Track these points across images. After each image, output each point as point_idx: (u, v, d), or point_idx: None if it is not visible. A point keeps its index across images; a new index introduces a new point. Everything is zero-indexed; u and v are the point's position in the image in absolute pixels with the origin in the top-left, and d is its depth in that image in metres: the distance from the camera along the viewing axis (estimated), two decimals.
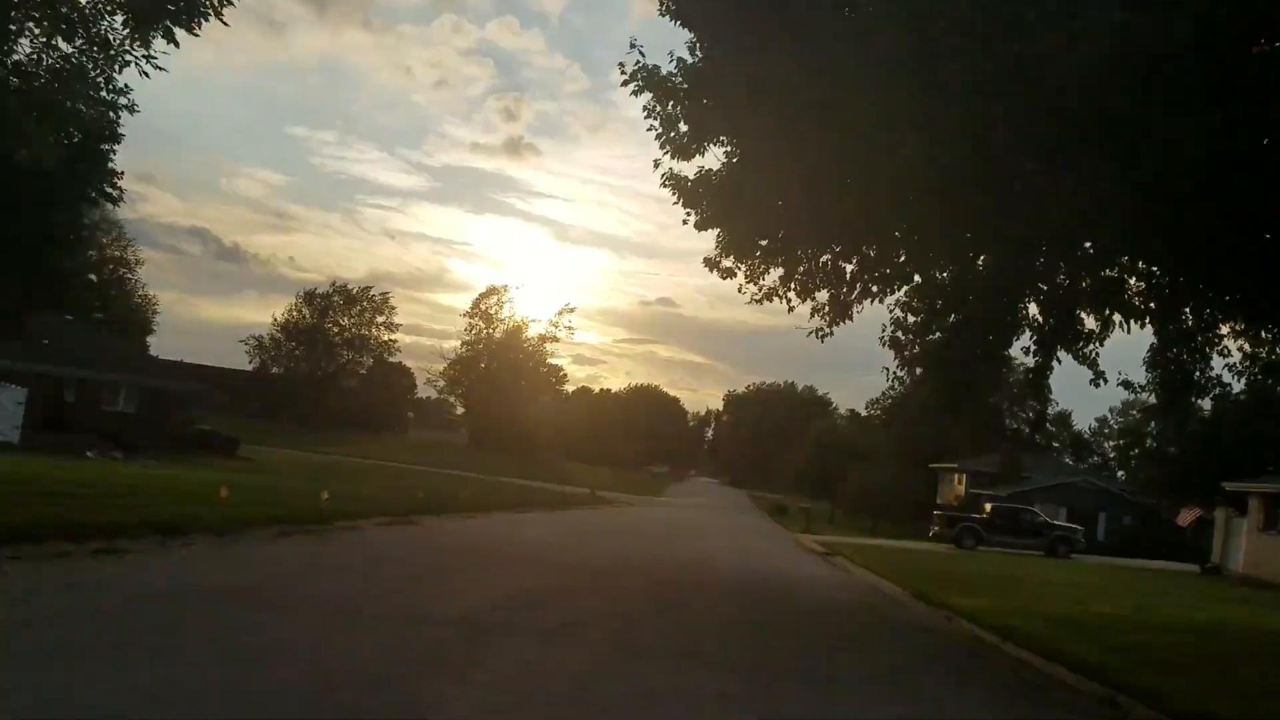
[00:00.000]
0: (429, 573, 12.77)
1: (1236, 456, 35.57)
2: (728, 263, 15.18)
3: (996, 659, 11.81)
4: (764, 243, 14.81)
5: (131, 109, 15.97)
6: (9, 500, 13.73)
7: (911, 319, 16.09)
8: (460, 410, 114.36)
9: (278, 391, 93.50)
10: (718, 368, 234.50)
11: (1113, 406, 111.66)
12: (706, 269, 15.20)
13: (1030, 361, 15.71)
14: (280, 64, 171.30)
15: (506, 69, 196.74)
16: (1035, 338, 15.43)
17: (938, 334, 15.98)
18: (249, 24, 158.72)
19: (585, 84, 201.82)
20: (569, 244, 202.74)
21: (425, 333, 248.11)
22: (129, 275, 77.31)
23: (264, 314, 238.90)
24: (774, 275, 15.11)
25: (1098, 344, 15.65)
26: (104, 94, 9.77)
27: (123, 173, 22.65)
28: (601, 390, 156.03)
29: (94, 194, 21.40)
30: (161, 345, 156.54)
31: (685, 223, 15.11)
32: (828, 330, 14.90)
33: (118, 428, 45.17)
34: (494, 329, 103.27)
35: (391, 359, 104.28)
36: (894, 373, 16.50)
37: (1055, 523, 46.26)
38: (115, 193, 22.76)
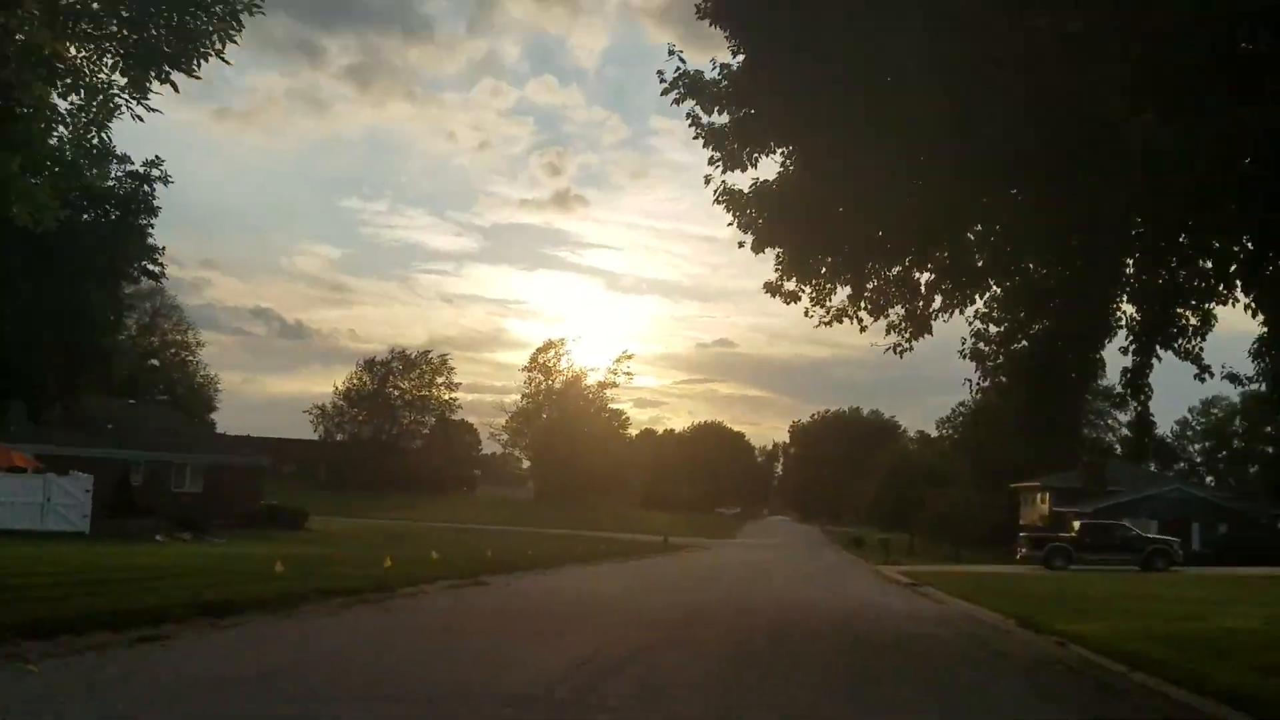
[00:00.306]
0: (493, 638, 11.77)
1: None
2: (790, 285, 14.13)
3: (1131, 692, 10.45)
4: (829, 259, 13.77)
5: (165, 180, 15.51)
6: (57, 590, 13.09)
7: (994, 329, 14.89)
8: (525, 464, 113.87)
9: (343, 458, 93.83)
10: (779, 401, 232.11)
11: (1192, 406, 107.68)
12: (768, 294, 14.15)
13: (1128, 361, 14.37)
14: (328, 140, 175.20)
15: (547, 125, 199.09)
16: (1131, 336, 14.12)
17: (1023, 342, 14.75)
18: (295, 105, 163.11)
19: (625, 133, 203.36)
20: (622, 292, 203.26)
21: (486, 390, 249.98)
22: (190, 358, 78.34)
23: (328, 385, 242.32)
24: (842, 294, 14.04)
25: (1200, 339, 14.32)
26: (95, 141, 9.22)
27: (163, 248, 22.38)
28: (665, 431, 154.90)
29: (134, 270, 21.05)
30: (229, 422, 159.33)
31: (742, 246, 14.15)
32: (907, 346, 13.75)
33: (186, 509, 44.98)
34: (553, 380, 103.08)
35: (453, 417, 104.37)
36: (977, 384, 15.23)
37: (1149, 535, 43.91)
38: (156, 268, 22.44)
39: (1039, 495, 69.76)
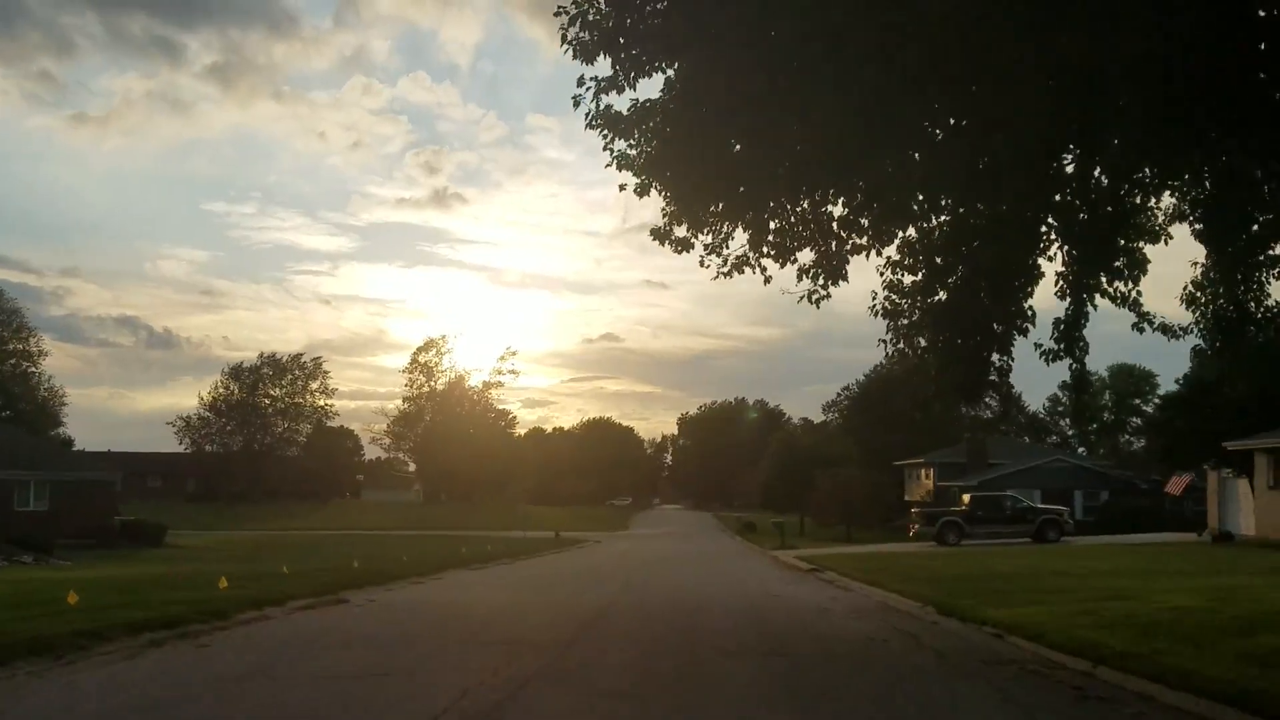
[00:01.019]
0: (324, 688, 9.15)
1: (1223, 418, 33.02)
2: (681, 231, 11.90)
3: (1118, 699, 8.55)
4: (724, 198, 11.58)
5: None
6: None
7: (909, 279, 12.96)
8: (411, 467, 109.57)
9: (215, 470, 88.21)
10: (667, 395, 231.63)
11: (1063, 382, 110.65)
12: (656, 241, 11.89)
13: (1058, 313, 12.63)
14: (192, 142, 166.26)
15: (422, 124, 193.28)
16: (1063, 280, 12.38)
17: (941, 294, 12.86)
18: (156, 107, 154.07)
19: (502, 130, 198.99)
20: (505, 287, 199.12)
21: (370, 396, 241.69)
22: (33, 369, 71.94)
23: (199, 396, 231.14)
24: (742, 239, 11.87)
25: (1138, 275, 12.69)
26: None
27: None
28: (554, 429, 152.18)
29: None
30: (95, 438, 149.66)
31: (623, 189, 11.89)
32: (823, 293, 11.66)
33: (29, 529, 40.77)
34: (435, 381, 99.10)
35: (331, 424, 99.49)
36: (891, 346, 13.27)
37: (1039, 506, 43.55)
38: None
39: (923, 471, 69.87)
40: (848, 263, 11.37)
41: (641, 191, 11.78)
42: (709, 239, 11.66)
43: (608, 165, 11.79)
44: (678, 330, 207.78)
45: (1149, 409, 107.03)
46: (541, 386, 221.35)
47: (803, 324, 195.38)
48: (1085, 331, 12.72)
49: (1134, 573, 21.27)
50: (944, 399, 12.93)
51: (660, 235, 11.90)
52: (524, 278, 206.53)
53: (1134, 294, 12.73)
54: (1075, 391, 12.55)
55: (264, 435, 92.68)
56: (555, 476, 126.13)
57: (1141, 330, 12.89)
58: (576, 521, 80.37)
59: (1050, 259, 12.27)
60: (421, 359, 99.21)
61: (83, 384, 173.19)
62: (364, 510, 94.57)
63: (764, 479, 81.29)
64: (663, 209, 11.68)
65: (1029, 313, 12.63)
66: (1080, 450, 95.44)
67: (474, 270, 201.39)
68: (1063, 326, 12.56)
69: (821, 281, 11.48)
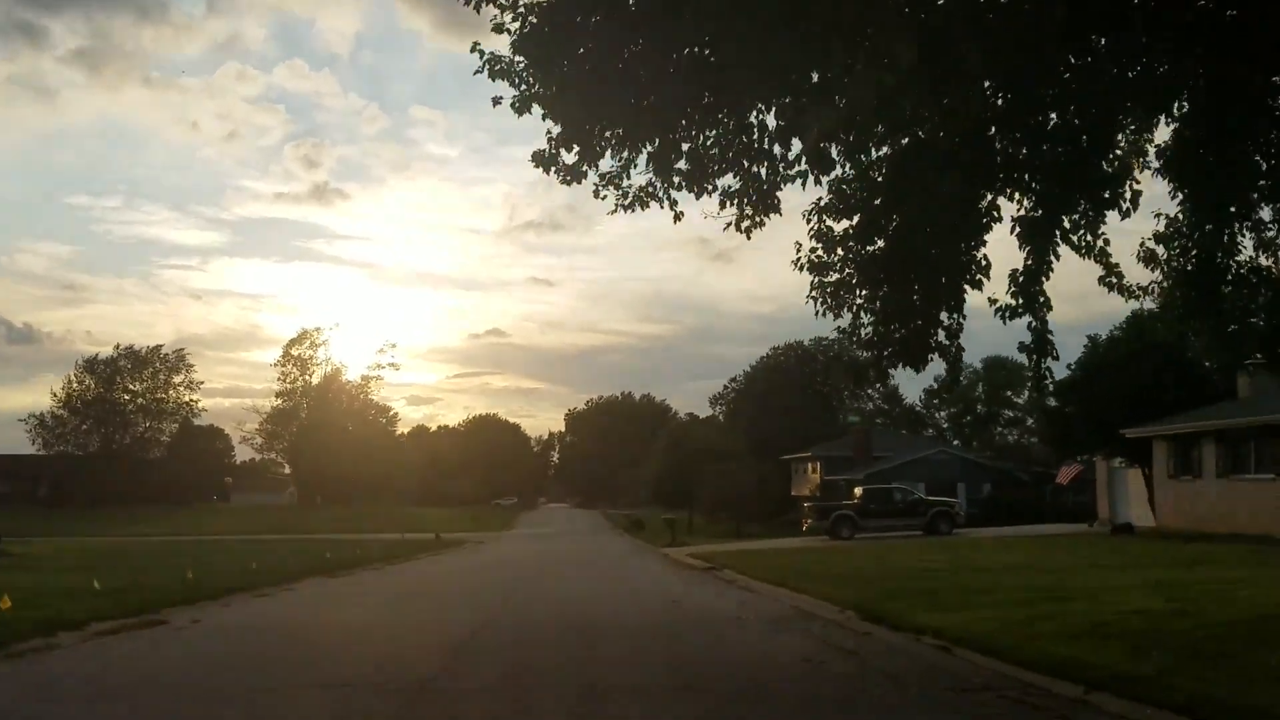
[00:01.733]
0: None
1: (1117, 405, 32.24)
2: (569, 158, 9.33)
3: None
4: (620, 131, 9.09)
5: None
6: None
7: (841, 226, 10.69)
8: (287, 469, 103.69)
9: (68, 473, 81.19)
10: (554, 391, 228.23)
11: (938, 375, 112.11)
12: (537, 168, 9.31)
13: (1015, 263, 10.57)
14: (56, 131, 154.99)
15: (300, 114, 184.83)
16: (1022, 226, 10.31)
17: (879, 242, 10.66)
18: (16, 93, 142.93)
19: (385, 123, 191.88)
20: (387, 284, 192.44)
21: (245, 393, 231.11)
22: None
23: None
24: (644, 168, 9.37)
25: (1097, 232, 10.74)
26: None
27: None
28: (439, 427, 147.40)
29: None
30: None
31: (498, 103, 9.29)
32: (754, 221, 9.26)
33: None
34: (309, 375, 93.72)
35: (200, 423, 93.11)
36: (820, 306, 10.99)
37: (931, 498, 42.56)
38: None
39: (810, 465, 68.90)
40: (779, 188, 8.97)
41: (521, 108, 9.21)
42: (607, 165, 9.12)
43: (476, 72, 9.17)
44: (565, 326, 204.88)
45: (1020, 401, 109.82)
46: (426, 383, 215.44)
47: (689, 320, 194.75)
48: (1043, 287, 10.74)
49: (1054, 568, 19.70)
50: (881, 366, 10.57)
51: (544, 161, 9.30)
52: (406, 274, 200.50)
53: (1100, 244, 10.80)
54: (1037, 354, 10.46)
55: (123, 434, 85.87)
56: (439, 476, 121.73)
57: (1110, 286, 10.95)
58: (460, 522, 76.81)
59: (1012, 198, 10.19)
60: (295, 352, 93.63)
61: None
62: (232, 515, 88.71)
63: (652, 475, 79.27)
64: (547, 133, 9.10)
65: (983, 262, 10.55)
66: (955, 443, 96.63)
67: (354, 266, 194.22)
68: (1021, 279, 10.52)
69: (749, 211, 9.09)
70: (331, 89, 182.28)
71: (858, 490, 41.96)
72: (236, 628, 14.11)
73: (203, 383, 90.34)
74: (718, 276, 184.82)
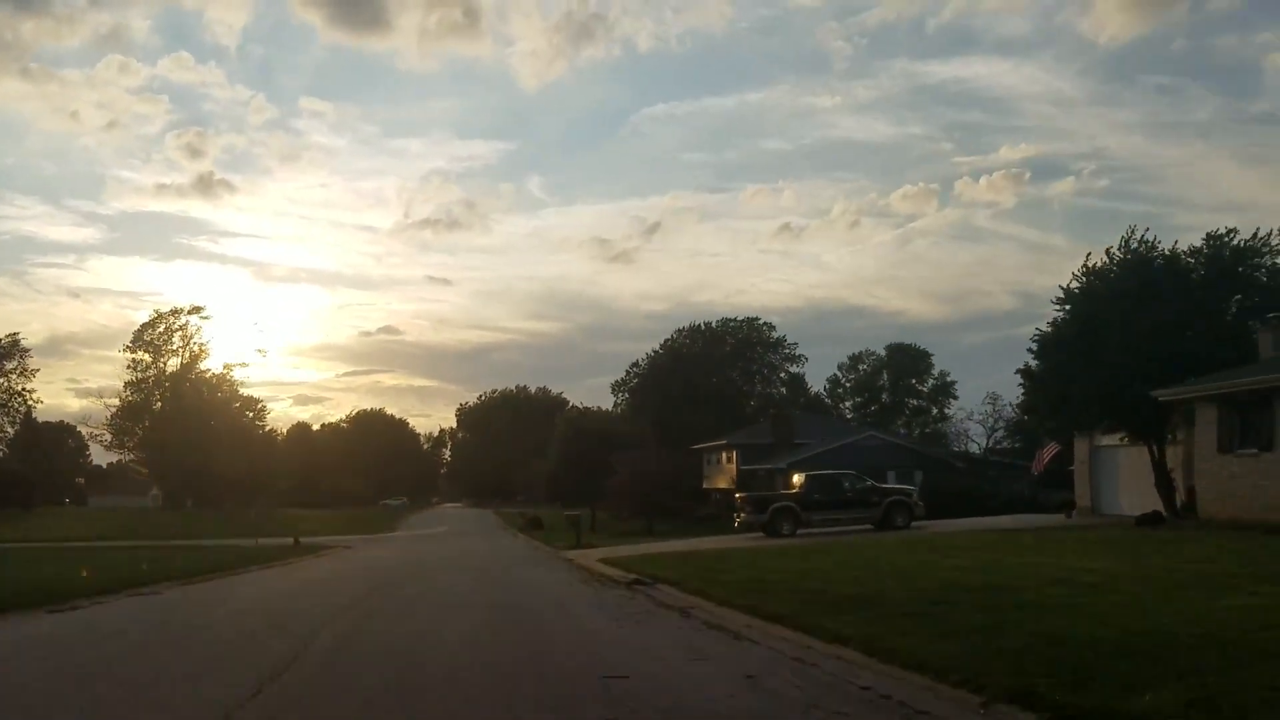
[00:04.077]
0: None
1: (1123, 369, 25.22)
2: None
3: None
4: None
5: None
6: None
7: None
8: (129, 464, 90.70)
9: None
10: (447, 389, 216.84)
11: (841, 363, 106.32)
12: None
13: None
14: None
15: (184, 104, 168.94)
16: None
17: None
18: None
19: (272, 113, 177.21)
20: (273, 282, 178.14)
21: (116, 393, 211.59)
22: None
23: None
24: None
25: None
26: None
27: None
28: (322, 425, 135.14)
29: None
30: None
31: None
32: None
33: None
34: (164, 362, 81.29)
35: (47, 419, 79.79)
36: None
37: (886, 486, 35.17)
38: None
39: (724, 454, 61.25)
40: None
41: None
42: None
43: None
44: (457, 324, 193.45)
45: (925, 389, 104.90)
46: (313, 381, 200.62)
47: (581, 318, 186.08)
48: None
49: (1130, 577, 12.06)
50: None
51: None
52: (294, 272, 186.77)
53: None
54: None
55: None
56: (322, 475, 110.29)
57: None
58: (337, 525, 66.62)
59: None
60: (148, 337, 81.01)
61: None
62: (78, 519, 76.09)
63: (550, 468, 70.40)
64: None
65: None
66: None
67: (239, 264, 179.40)
68: None
69: None
70: (218, 80, 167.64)
71: (798, 478, 34.22)
72: None
73: (38, 370, 77.19)
74: (614, 277, 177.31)
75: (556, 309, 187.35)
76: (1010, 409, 54.91)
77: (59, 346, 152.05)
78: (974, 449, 55.64)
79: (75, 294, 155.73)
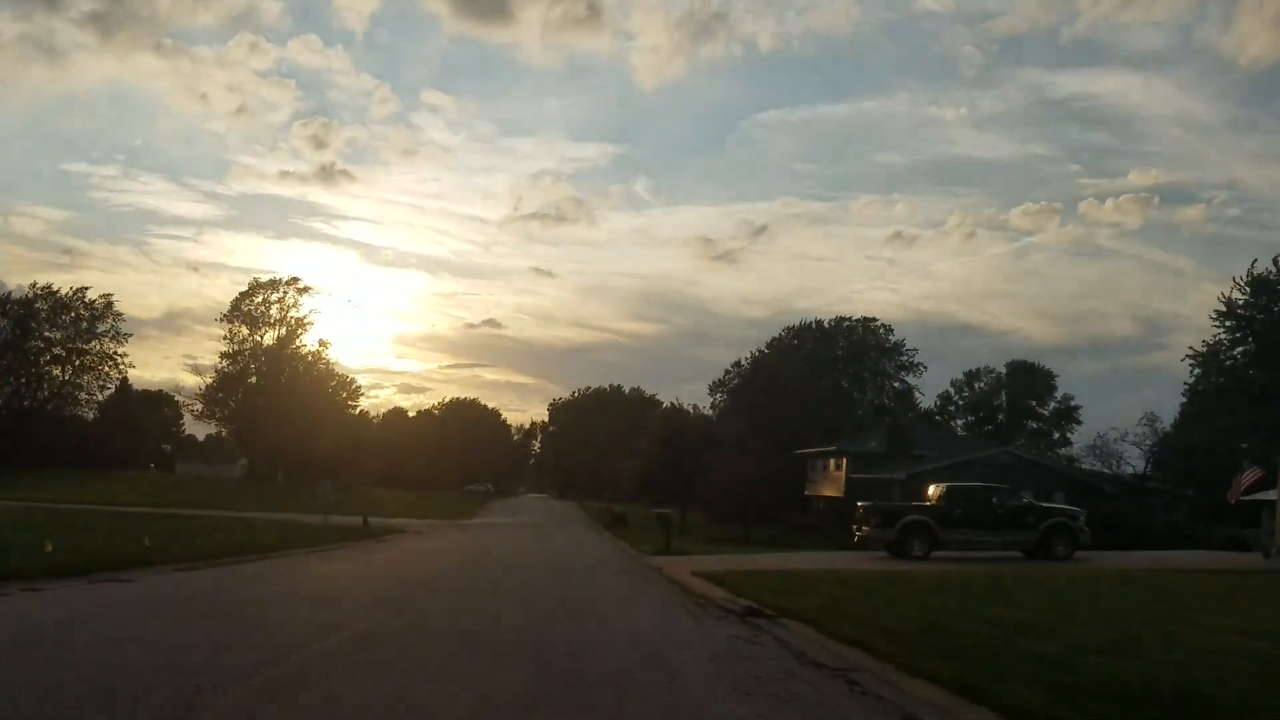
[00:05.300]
0: None
1: None
2: None
3: None
4: None
5: None
6: None
7: None
8: (222, 436, 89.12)
9: None
10: (545, 387, 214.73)
11: (955, 379, 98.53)
12: None
13: None
14: (62, 95, 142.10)
15: (310, 90, 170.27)
16: None
17: None
18: (29, 54, 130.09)
19: (395, 105, 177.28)
20: (382, 266, 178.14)
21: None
22: None
23: None
24: None
25: None
26: None
27: None
28: (417, 411, 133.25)
29: None
30: None
31: None
32: None
33: None
34: (260, 334, 79.12)
35: (124, 377, 78.33)
36: None
37: (1045, 505, 28.98)
38: None
39: (832, 461, 55.19)
40: None
41: None
42: None
43: None
44: (559, 321, 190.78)
45: (1046, 410, 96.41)
46: (416, 371, 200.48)
47: (680, 320, 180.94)
48: None
49: None
50: None
51: None
52: (402, 256, 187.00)
53: None
54: None
55: (37, 388, 71.51)
56: (409, 459, 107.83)
57: None
58: (417, 507, 63.16)
59: None
60: (245, 307, 78.97)
61: None
62: (167, 486, 74.62)
63: (641, 465, 65.28)
64: None
65: None
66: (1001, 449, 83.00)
67: (350, 246, 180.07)
68: None
69: None
70: (343, 65, 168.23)
71: (934, 489, 28.28)
72: None
73: (130, 335, 75.74)
74: (716, 277, 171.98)
75: (656, 309, 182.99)
76: (1168, 431, 47.37)
77: (175, 321, 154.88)
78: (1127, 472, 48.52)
79: (194, 267, 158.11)
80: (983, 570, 21.59)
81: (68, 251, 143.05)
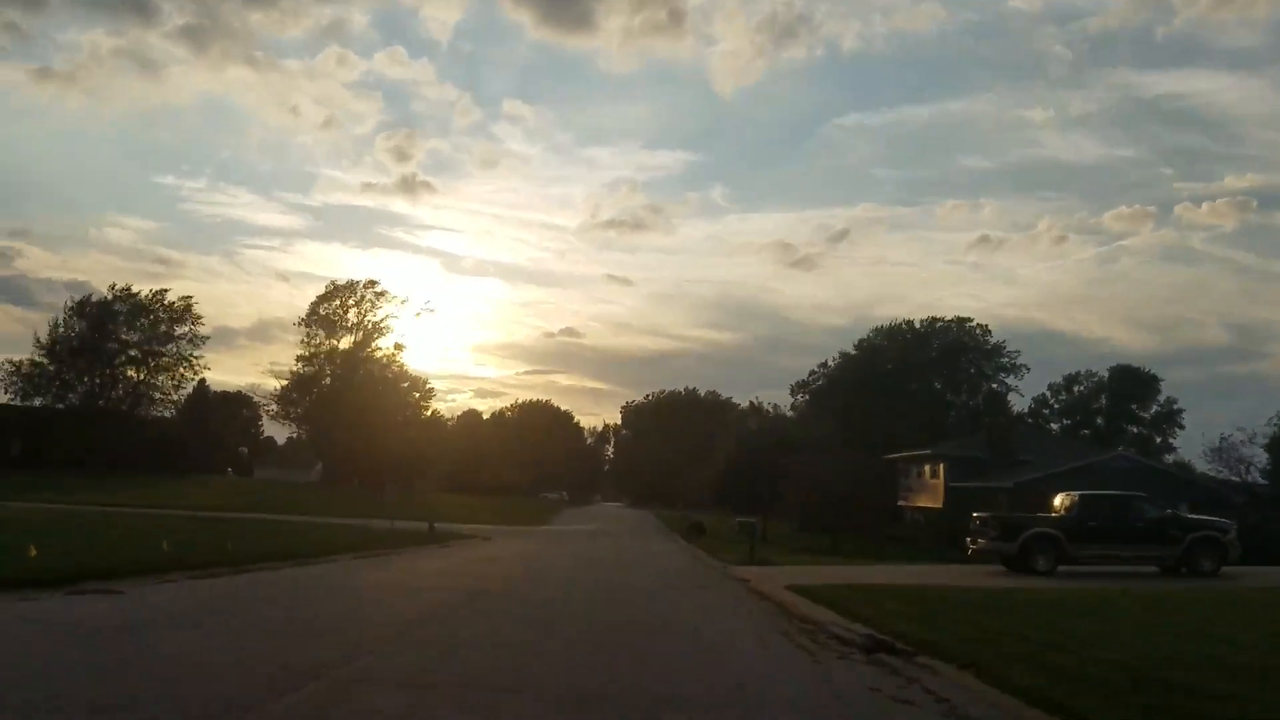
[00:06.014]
0: None
1: None
2: None
3: None
4: None
5: None
6: None
7: None
8: (298, 437, 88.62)
9: (43, 429, 67.06)
10: (619, 393, 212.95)
11: (1053, 383, 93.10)
12: None
13: None
14: (156, 107, 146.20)
15: (395, 102, 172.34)
16: None
17: None
18: (124, 67, 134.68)
19: (477, 116, 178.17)
20: (462, 274, 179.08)
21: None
22: None
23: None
24: None
25: None
26: None
27: None
28: (490, 415, 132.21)
29: None
30: None
31: None
32: None
33: None
34: (337, 339, 78.32)
35: (202, 380, 78.22)
36: None
37: (1190, 516, 25.27)
38: None
39: (927, 467, 51.35)
40: None
41: None
42: None
43: None
44: (634, 329, 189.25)
45: (1148, 415, 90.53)
46: (493, 377, 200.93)
47: (756, 328, 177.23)
48: None
49: None
50: None
51: None
52: (481, 265, 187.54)
53: None
54: None
55: (113, 389, 71.64)
56: (483, 463, 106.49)
57: None
58: (488, 513, 61.23)
59: None
60: (323, 310, 78.30)
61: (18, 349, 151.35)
62: (241, 489, 74.14)
63: (718, 471, 62.13)
64: None
65: None
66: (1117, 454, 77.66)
67: (431, 255, 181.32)
68: None
69: None
70: (428, 78, 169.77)
71: (1062, 499, 24.76)
72: None
73: (208, 337, 75.56)
74: (793, 284, 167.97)
75: (732, 317, 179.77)
76: None
77: (265, 330, 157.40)
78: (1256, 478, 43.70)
79: (284, 276, 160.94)
80: (1132, 589, 18.14)
81: (162, 261, 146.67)
